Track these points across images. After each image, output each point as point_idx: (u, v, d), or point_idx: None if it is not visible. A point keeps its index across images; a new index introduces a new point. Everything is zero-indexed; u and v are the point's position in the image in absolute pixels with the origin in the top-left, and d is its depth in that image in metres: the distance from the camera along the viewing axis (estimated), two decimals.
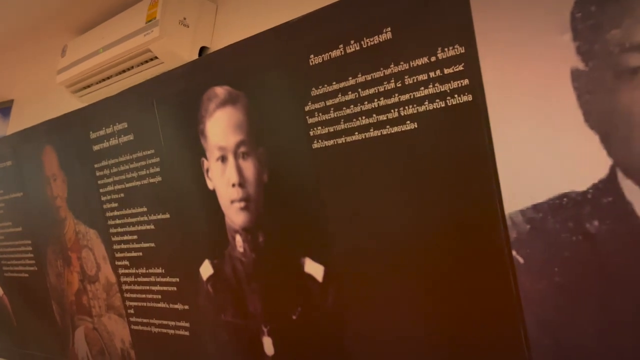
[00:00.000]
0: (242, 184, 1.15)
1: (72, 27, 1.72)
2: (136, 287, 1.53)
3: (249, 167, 1.13)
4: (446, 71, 0.83)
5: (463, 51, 0.80)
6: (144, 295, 1.51)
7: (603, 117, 0.70)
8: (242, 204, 1.16)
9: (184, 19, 1.45)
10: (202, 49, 1.47)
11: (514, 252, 0.81)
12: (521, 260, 0.80)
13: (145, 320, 1.53)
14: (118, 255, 1.56)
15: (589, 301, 0.75)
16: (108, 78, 1.61)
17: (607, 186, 0.71)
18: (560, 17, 0.71)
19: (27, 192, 1.88)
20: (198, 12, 1.47)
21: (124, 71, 1.56)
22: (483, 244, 0.83)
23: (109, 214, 1.55)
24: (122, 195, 1.49)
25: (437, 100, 0.84)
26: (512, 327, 0.82)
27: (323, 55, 0.97)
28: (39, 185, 1.79)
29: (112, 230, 1.55)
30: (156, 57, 1.45)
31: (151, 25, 1.42)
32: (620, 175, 0.70)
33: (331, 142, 0.99)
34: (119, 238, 1.54)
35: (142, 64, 1.51)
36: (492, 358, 0.86)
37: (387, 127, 0.91)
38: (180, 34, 1.43)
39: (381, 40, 0.89)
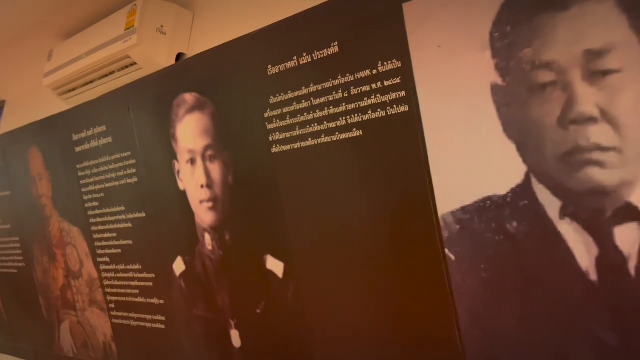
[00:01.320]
0: (209, 185, 1.22)
1: (58, 32, 1.79)
2: (116, 283, 1.60)
3: (215, 170, 1.20)
4: (386, 83, 0.90)
5: (400, 65, 0.87)
6: (123, 290, 1.58)
7: (518, 128, 0.77)
8: (210, 204, 1.23)
9: (161, 26, 1.52)
10: (179, 55, 1.54)
11: (446, 250, 0.88)
12: (453, 257, 0.87)
13: (125, 314, 1.61)
14: (99, 252, 1.63)
15: (510, 294, 0.82)
16: (91, 82, 1.68)
17: (523, 190, 0.78)
18: (481, 35, 0.78)
19: (15, 191, 1.95)
20: (175, 20, 1.53)
21: (106, 75, 1.63)
22: (420, 243, 0.90)
23: (90, 212, 1.62)
24: (102, 194, 1.56)
25: (379, 110, 0.91)
26: (447, 319, 0.90)
27: (279, 66, 1.04)
28: (25, 185, 1.87)
29: (94, 228, 1.63)
30: (135, 63, 1.52)
31: (130, 33, 1.49)
32: (534, 181, 0.77)
33: (288, 147, 1.06)
34: (100, 235, 1.61)
35: (122, 69, 1.58)
36: (430, 347, 0.93)
37: (337, 133, 0.98)
38: (157, 41, 1.50)
39: (330, 53, 0.96)
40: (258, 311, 1.20)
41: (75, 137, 1.61)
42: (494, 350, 0.86)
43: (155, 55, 1.51)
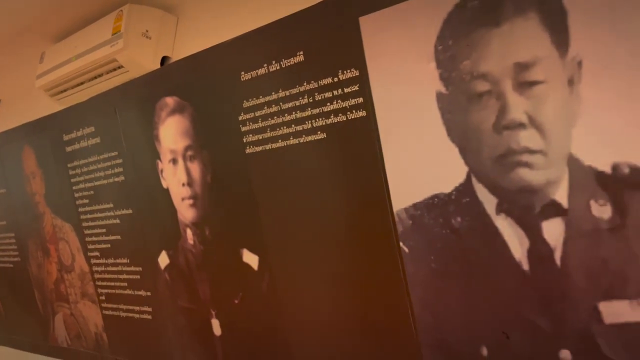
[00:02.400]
0: (190, 183, 1.30)
1: (49, 35, 1.87)
2: (106, 276, 1.69)
3: (195, 169, 1.28)
4: (346, 90, 0.97)
5: (357, 74, 0.95)
6: (113, 283, 1.67)
7: (460, 133, 0.85)
8: (191, 201, 1.31)
9: (147, 31, 1.59)
10: (164, 58, 1.62)
11: (401, 244, 0.96)
12: (407, 250, 0.96)
13: (114, 306, 1.69)
14: (90, 247, 1.71)
15: (455, 282, 0.91)
16: (82, 83, 1.76)
17: (465, 189, 0.86)
18: (427, 48, 0.86)
19: (10, 189, 2.03)
20: (160, 24, 1.61)
21: (95, 77, 1.71)
22: (378, 236, 0.99)
23: (81, 209, 1.70)
24: (92, 192, 1.64)
25: (340, 115, 0.99)
26: (402, 305, 0.98)
27: (251, 72, 1.12)
28: (20, 183, 1.94)
29: (84, 224, 1.71)
30: (122, 66, 1.60)
31: (116, 38, 1.57)
32: (474, 180, 0.85)
33: (260, 148, 1.14)
34: (91, 231, 1.69)
35: (110, 71, 1.65)
36: (388, 330, 1.01)
37: (303, 136, 1.05)
38: (143, 45, 1.58)
39: (296, 61, 1.04)
40: (236, 301, 1.28)
41: (65, 138, 1.69)
42: (442, 333, 0.94)
43: (141, 59, 1.58)
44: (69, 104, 1.75)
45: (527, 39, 0.76)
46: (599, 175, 0.74)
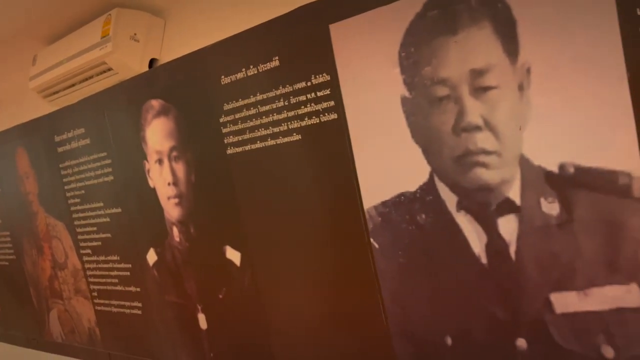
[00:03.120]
0: (175, 183, 1.35)
1: (42, 37, 1.91)
2: (98, 273, 1.74)
3: (180, 169, 1.33)
4: (319, 94, 1.02)
5: (329, 78, 1.00)
6: (104, 280, 1.72)
7: (422, 135, 0.90)
8: (176, 200, 1.36)
9: (135, 34, 1.64)
10: (152, 61, 1.66)
11: (372, 240, 1.01)
12: (377, 245, 1.01)
13: (106, 302, 1.74)
14: (82, 244, 1.76)
15: (421, 276, 0.96)
16: (73, 85, 1.81)
17: (428, 187, 0.91)
18: (392, 54, 0.91)
19: (5, 189, 2.08)
20: (147, 27, 1.65)
21: (86, 79, 1.76)
22: (351, 233, 1.04)
23: (73, 208, 1.75)
24: (83, 192, 1.69)
25: (314, 117, 1.04)
26: (373, 298, 1.03)
27: (231, 76, 1.16)
28: (14, 183, 1.99)
29: (76, 223, 1.76)
30: (111, 69, 1.65)
31: (105, 41, 1.61)
32: (436, 179, 0.90)
33: (240, 149, 1.19)
34: (82, 229, 1.74)
35: (100, 74, 1.70)
36: (361, 324, 1.07)
37: (280, 137, 1.10)
38: (131, 48, 1.62)
39: (272, 66, 1.08)
40: (220, 296, 1.34)
41: (57, 139, 1.74)
42: (411, 324, 0.99)
43: (129, 62, 1.63)
44: (62, 105, 1.80)
45: (481, 47, 0.81)
46: (548, 175, 0.79)
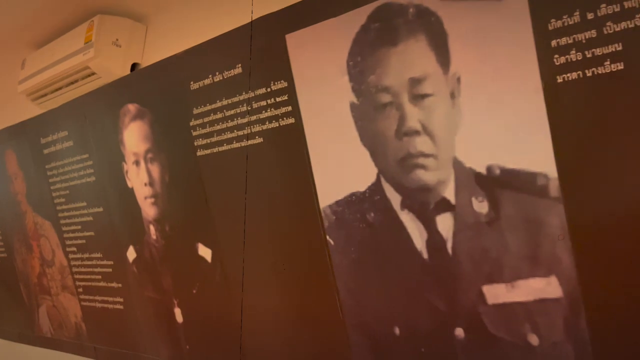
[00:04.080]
0: (151, 183, 1.42)
1: (30, 42, 1.97)
2: (83, 269, 1.81)
3: (155, 170, 1.40)
4: (277, 99, 1.09)
5: (286, 85, 1.06)
6: (89, 276, 1.79)
7: (369, 138, 0.96)
8: (152, 200, 1.43)
9: (117, 40, 1.70)
10: (134, 65, 1.73)
11: (327, 237, 1.08)
12: (332, 242, 1.07)
13: (91, 297, 1.81)
14: (68, 242, 1.83)
15: (372, 271, 1.02)
16: (60, 88, 1.87)
17: (376, 188, 0.98)
18: (341, 63, 0.97)
19: None
20: (129, 33, 1.71)
21: (72, 83, 1.82)
22: (309, 231, 1.10)
23: (59, 207, 1.82)
24: (68, 192, 1.76)
25: (274, 121, 1.10)
26: (330, 292, 1.10)
27: (199, 82, 1.23)
28: (4, 183, 2.06)
29: (62, 222, 1.82)
30: (95, 73, 1.71)
31: (88, 47, 1.68)
32: (383, 180, 0.97)
33: (209, 151, 1.25)
34: (68, 228, 1.81)
35: (84, 78, 1.76)
36: (320, 315, 1.13)
37: (244, 140, 1.17)
38: (113, 54, 1.69)
39: (235, 73, 1.15)
40: (194, 291, 1.40)
41: (43, 141, 1.81)
42: (363, 315, 1.06)
43: (112, 66, 1.69)
44: (50, 107, 1.86)
45: (418, 58, 0.87)
46: (477, 176, 0.85)
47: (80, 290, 1.85)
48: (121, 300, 1.68)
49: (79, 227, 1.76)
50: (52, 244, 1.93)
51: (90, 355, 1.88)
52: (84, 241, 1.76)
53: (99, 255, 1.72)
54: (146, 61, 1.72)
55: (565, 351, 0.82)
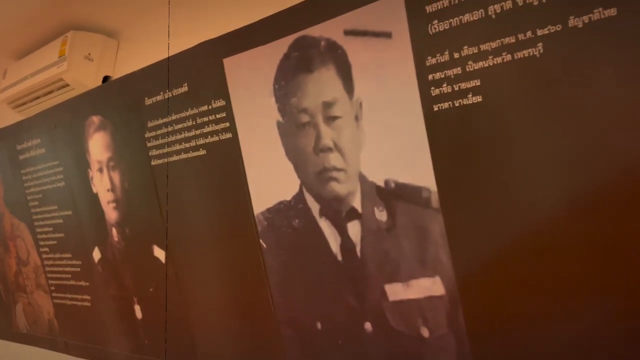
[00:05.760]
0: (113, 189, 1.54)
1: (12, 52, 2.10)
2: (55, 269, 1.92)
3: (116, 177, 1.52)
4: (217, 116, 1.21)
5: (224, 103, 1.18)
6: (60, 275, 1.90)
7: (293, 153, 1.09)
8: (114, 204, 1.55)
9: (89, 54, 1.82)
10: (106, 77, 1.85)
11: (260, 241, 1.20)
12: (265, 245, 1.19)
13: (62, 295, 1.93)
14: (41, 243, 1.95)
15: (297, 271, 1.14)
16: (38, 98, 1.99)
17: (299, 197, 1.10)
18: (269, 86, 1.09)
19: None
20: (101, 48, 1.84)
21: (48, 93, 1.94)
22: (245, 235, 1.22)
23: (33, 210, 1.94)
24: (41, 195, 1.87)
25: (215, 136, 1.23)
26: (264, 290, 1.22)
27: (152, 98, 1.35)
28: None
29: (36, 223, 1.94)
30: (68, 85, 1.83)
31: (62, 60, 1.80)
32: (304, 190, 1.09)
33: (161, 161, 1.37)
34: (41, 230, 1.93)
35: (59, 89, 1.89)
36: (256, 311, 1.25)
37: (191, 152, 1.29)
38: (85, 67, 1.81)
39: (182, 91, 1.27)
40: (151, 290, 1.52)
41: (19, 147, 1.92)
42: (292, 311, 1.18)
43: (84, 79, 1.82)
44: (30, 114, 1.98)
45: (329, 84, 1.00)
46: (377, 189, 0.97)
47: (53, 288, 1.96)
48: (89, 297, 1.80)
49: (51, 228, 1.87)
50: (27, 244, 2.05)
51: (62, 350, 2.00)
52: (55, 242, 1.88)
53: (68, 255, 1.83)
54: (117, 74, 1.84)
55: (449, 342, 0.94)
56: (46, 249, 1.93)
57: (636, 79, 0.68)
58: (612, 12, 0.68)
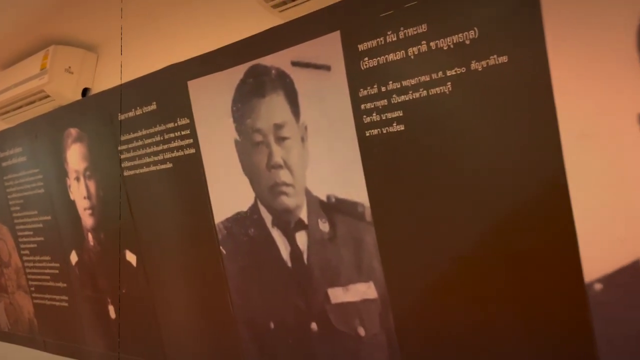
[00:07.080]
0: (89, 197, 1.64)
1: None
2: (35, 270, 2.02)
3: (92, 186, 1.62)
4: (182, 133, 1.32)
5: (188, 121, 1.29)
6: (40, 277, 2.00)
7: (248, 169, 1.20)
8: (90, 211, 1.65)
9: (69, 67, 1.92)
10: (85, 90, 1.95)
11: (221, 247, 1.31)
12: (224, 252, 1.30)
13: (42, 296, 2.02)
14: (22, 246, 2.04)
15: (253, 276, 1.26)
16: (21, 107, 2.08)
17: (254, 208, 1.21)
18: (227, 107, 1.20)
19: None
20: (81, 61, 1.94)
21: (31, 103, 2.03)
22: (207, 242, 1.33)
23: (14, 214, 2.03)
24: (22, 200, 1.97)
25: (180, 150, 1.33)
26: (223, 293, 1.33)
27: (125, 114, 1.45)
28: None
29: (17, 227, 2.03)
30: (49, 96, 1.93)
31: (43, 73, 1.90)
32: (259, 202, 1.20)
33: (132, 172, 1.48)
34: (22, 233, 2.02)
35: (41, 99, 1.98)
36: (217, 312, 1.36)
37: (159, 164, 1.40)
38: (65, 79, 1.91)
39: (151, 109, 1.38)
40: (124, 291, 1.62)
41: (1, 155, 2.02)
42: (249, 312, 1.29)
43: (64, 91, 1.91)
44: (15, 122, 2.07)
45: (279, 108, 1.11)
46: (321, 203, 1.09)
47: (33, 289, 2.06)
48: (66, 298, 1.90)
49: (32, 232, 1.97)
50: (9, 247, 2.14)
51: (41, 348, 2.09)
52: (35, 245, 1.97)
53: (48, 258, 1.93)
54: (96, 86, 1.94)
55: (381, 340, 1.06)
56: (27, 252, 2.03)
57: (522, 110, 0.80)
58: (504, 59, 0.80)
